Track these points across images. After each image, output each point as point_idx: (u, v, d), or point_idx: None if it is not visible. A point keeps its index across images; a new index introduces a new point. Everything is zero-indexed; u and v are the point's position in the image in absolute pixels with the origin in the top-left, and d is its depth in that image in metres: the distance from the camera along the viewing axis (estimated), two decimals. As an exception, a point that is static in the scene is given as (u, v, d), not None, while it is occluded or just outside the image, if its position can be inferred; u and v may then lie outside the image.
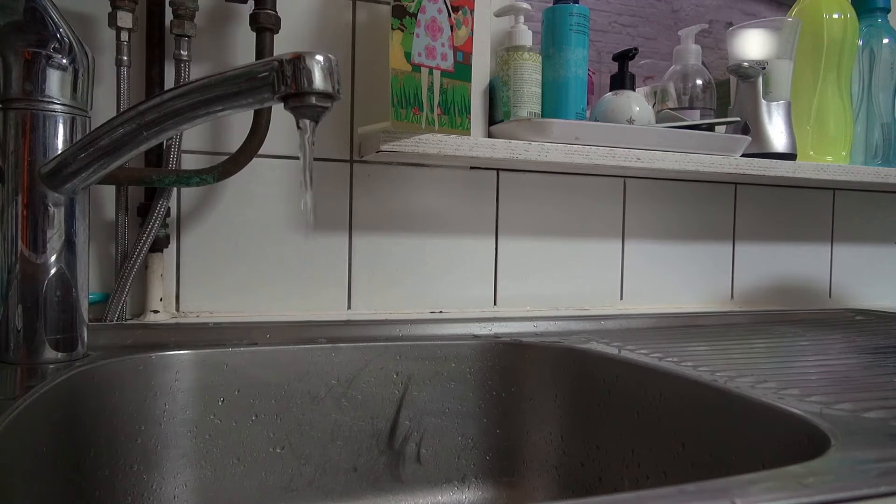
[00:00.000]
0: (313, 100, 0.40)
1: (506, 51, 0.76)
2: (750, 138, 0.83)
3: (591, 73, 0.87)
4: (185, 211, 0.70)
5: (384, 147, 0.67)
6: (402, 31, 0.64)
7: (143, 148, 0.47)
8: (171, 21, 0.65)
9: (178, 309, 0.70)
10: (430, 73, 0.66)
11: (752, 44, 0.86)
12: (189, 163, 0.69)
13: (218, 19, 0.70)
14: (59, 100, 0.50)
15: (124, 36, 0.63)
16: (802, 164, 0.86)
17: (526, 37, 0.76)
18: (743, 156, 0.83)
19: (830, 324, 0.82)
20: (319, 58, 0.40)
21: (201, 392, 0.57)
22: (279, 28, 0.66)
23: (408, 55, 0.64)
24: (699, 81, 0.89)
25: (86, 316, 0.53)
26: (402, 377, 0.63)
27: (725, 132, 0.87)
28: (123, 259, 0.65)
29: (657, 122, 0.82)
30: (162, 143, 0.66)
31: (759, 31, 0.86)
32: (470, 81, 0.68)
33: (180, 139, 0.66)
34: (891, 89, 0.95)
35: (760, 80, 0.84)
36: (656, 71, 0.98)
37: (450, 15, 0.67)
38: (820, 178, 0.87)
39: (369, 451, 0.62)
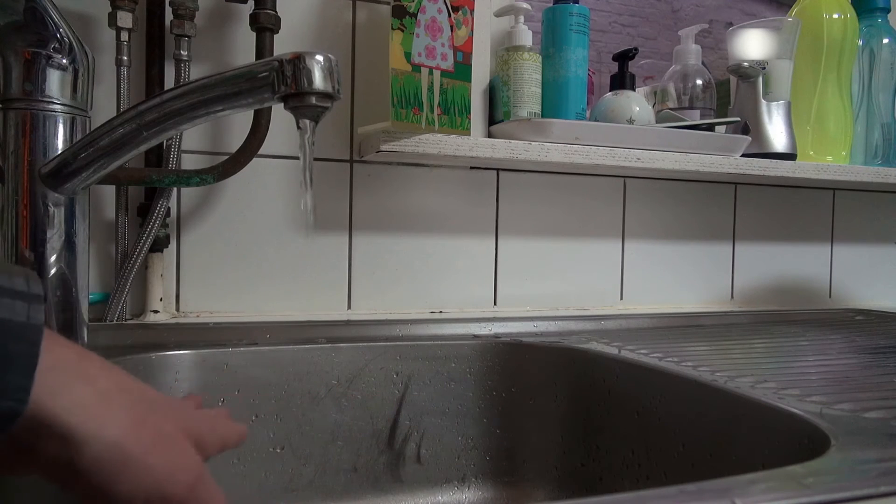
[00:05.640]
0: (313, 100, 0.40)
1: (506, 51, 0.76)
2: (750, 138, 0.83)
3: (591, 73, 0.87)
4: (185, 211, 0.70)
5: (384, 147, 0.67)
6: (402, 31, 0.64)
7: (143, 148, 0.47)
8: (171, 21, 0.65)
9: (178, 309, 0.70)
10: (430, 73, 0.66)
11: (752, 44, 0.86)
12: (189, 163, 0.69)
13: (218, 19, 0.70)
14: (59, 100, 0.50)
15: (124, 36, 0.63)
16: (802, 164, 0.86)
17: (526, 37, 0.76)
18: (743, 156, 0.83)
19: (830, 324, 0.82)
20: (319, 58, 0.40)
21: (201, 392, 0.57)
22: (279, 28, 0.66)
23: (408, 55, 0.64)
24: (699, 81, 0.89)
25: (86, 316, 0.53)
26: (402, 377, 0.63)
27: (725, 132, 0.87)
28: (123, 259, 0.65)
29: (657, 122, 0.82)
30: (162, 143, 0.66)
31: (759, 31, 0.86)
32: (470, 81, 0.68)
33: (180, 139, 0.66)
34: (891, 89, 0.95)
35: (760, 80, 0.84)
36: (656, 71, 0.98)
37: (450, 15, 0.67)
38: (820, 178, 0.87)
39: (369, 450, 0.62)
